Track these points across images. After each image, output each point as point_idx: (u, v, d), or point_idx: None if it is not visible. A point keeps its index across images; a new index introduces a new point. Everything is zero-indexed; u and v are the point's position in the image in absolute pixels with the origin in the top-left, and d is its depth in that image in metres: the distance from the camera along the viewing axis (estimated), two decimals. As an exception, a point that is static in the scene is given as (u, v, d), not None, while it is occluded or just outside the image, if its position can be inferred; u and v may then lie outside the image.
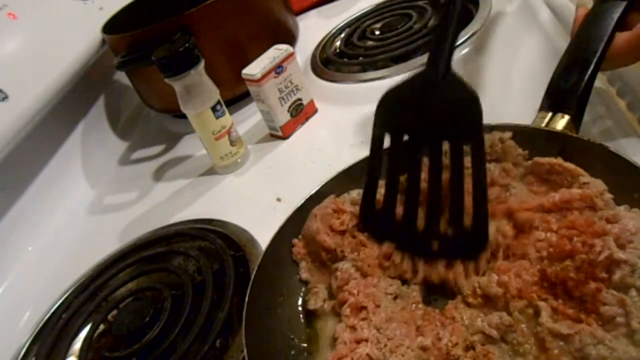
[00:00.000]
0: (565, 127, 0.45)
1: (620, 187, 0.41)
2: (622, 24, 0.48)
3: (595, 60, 0.46)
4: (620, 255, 0.35)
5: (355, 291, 0.43)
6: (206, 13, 0.78)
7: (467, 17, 0.82)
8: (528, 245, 0.40)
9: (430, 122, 0.44)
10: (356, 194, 0.52)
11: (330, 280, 0.48)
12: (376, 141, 0.47)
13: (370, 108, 0.74)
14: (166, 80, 0.68)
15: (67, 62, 0.81)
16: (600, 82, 0.57)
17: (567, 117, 0.46)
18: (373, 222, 0.48)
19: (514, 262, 0.40)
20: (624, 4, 0.48)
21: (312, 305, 0.46)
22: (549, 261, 0.39)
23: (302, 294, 0.49)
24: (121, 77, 1.02)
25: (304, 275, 0.50)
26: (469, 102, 0.41)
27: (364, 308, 0.42)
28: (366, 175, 0.48)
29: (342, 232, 0.49)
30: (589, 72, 0.46)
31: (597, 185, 0.41)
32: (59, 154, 0.86)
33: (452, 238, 0.43)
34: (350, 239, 0.49)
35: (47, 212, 0.81)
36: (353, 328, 0.41)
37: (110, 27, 0.89)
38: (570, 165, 0.43)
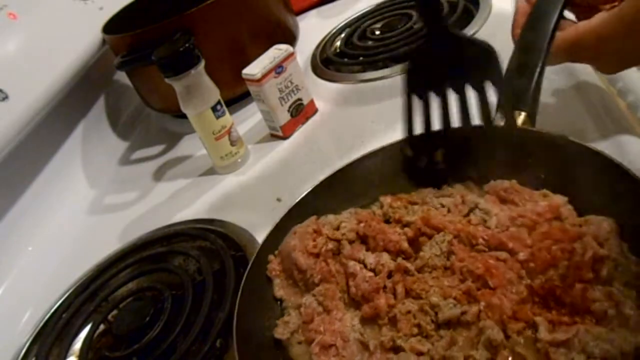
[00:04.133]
0: (524, 123, 0.48)
1: (578, 173, 0.43)
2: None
3: (541, 59, 0.49)
4: (603, 251, 0.36)
5: (322, 329, 0.43)
6: (206, 13, 0.78)
7: (467, 17, 0.82)
8: (504, 270, 0.40)
9: (450, 75, 0.49)
10: (333, 218, 0.51)
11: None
12: (407, 106, 0.51)
13: (371, 108, 0.75)
14: (166, 80, 0.68)
15: (67, 62, 0.81)
16: (600, 82, 0.57)
17: (524, 114, 0.48)
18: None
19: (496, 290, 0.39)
20: (562, 2, 0.50)
21: (278, 334, 0.45)
22: (530, 277, 0.39)
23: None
24: (121, 77, 1.02)
25: (278, 293, 0.48)
26: (485, 53, 0.46)
27: (332, 346, 0.42)
28: (405, 131, 0.52)
29: (316, 255, 0.48)
30: (538, 70, 0.49)
31: (558, 198, 0.43)
32: (59, 154, 0.86)
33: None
34: (322, 265, 0.47)
35: (47, 212, 0.81)
36: None
37: (111, 27, 0.89)
38: (525, 189, 0.46)
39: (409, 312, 0.40)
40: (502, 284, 0.39)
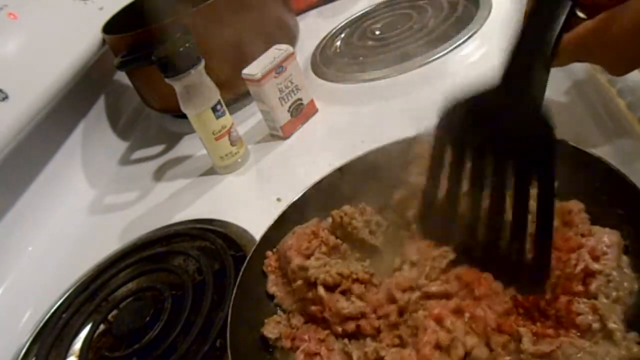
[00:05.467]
0: None
1: (577, 177, 0.42)
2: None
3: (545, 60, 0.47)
4: (595, 266, 0.36)
5: (306, 336, 0.43)
6: (206, 13, 0.78)
7: (467, 17, 0.82)
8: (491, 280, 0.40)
9: (496, 142, 0.41)
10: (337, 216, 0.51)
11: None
12: (436, 157, 0.44)
13: (371, 108, 0.75)
14: (166, 80, 0.68)
15: (67, 62, 0.81)
16: (601, 81, 0.57)
17: None
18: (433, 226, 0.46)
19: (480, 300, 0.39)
20: (569, 3, 0.47)
21: (267, 332, 0.45)
22: None
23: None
24: (121, 77, 1.02)
25: (272, 289, 0.49)
26: (542, 132, 0.39)
27: (316, 354, 0.42)
28: (426, 184, 0.45)
29: (309, 257, 0.48)
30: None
31: (573, 204, 0.42)
32: (59, 154, 0.86)
33: (510, 264, 0.40)
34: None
35: (47, 212, 0.81)
36: None
37: (111, 27, 0.89)
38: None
39: (394, 325, 0.41)
40: (488, 294, 0.39)
